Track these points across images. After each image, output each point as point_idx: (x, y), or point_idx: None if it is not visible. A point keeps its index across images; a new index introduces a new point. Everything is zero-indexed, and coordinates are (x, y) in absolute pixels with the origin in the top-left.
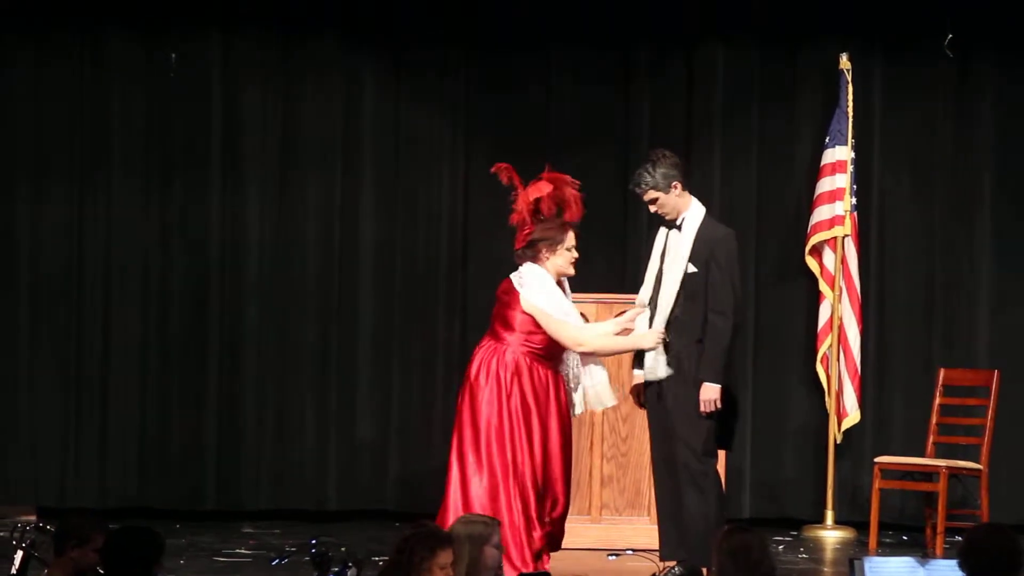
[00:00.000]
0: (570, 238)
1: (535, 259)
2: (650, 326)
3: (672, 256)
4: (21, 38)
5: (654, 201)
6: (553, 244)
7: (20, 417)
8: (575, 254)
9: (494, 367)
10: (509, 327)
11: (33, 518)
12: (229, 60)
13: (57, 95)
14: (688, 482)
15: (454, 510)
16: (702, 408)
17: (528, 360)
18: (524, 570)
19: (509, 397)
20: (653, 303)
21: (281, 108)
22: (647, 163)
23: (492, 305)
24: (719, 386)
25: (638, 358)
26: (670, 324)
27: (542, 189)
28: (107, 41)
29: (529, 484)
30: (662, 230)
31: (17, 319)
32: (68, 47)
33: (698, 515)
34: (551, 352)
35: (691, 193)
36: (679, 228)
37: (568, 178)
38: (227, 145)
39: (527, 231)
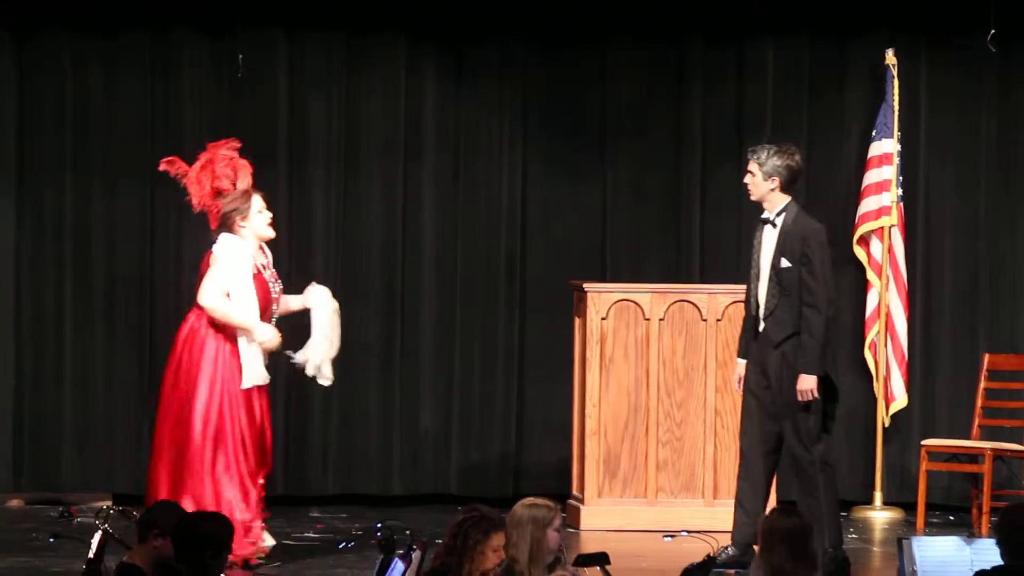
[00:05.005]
0: (257, 201)
1: (231, 231)
2: (757, 324)
3: (765, 251)
4: (85, 41)
5: (749, 173)
6: (243, 212)
7: (96, 408)
8: (268, 214)
9: (180, 336)
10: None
11: (110, 502)
12: (294, 59)
13: (126, 97)
14: (797, 473)
15: (169, 480)
16: (799, 397)
17: (204, 326)
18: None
19: (179, 364)
20: (755, 299)
21: (345, 108)
22: (775, 145)
23: (550, 298)
24: (815, 376)
25: (742, 348)
26: (768, 318)
27: (205, 171)
28: (175, 42)
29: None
30: (760, 227)
31: (93, 315)
32: (136, 48)
33: (805, 511)
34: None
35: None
36: (773, 224)
37: (220, 146)
38: (293, 146)
39: (216, 210)
